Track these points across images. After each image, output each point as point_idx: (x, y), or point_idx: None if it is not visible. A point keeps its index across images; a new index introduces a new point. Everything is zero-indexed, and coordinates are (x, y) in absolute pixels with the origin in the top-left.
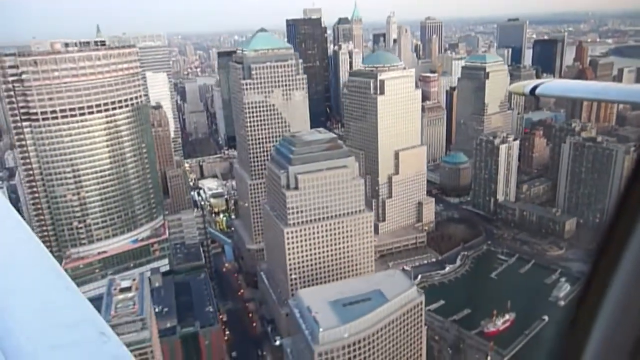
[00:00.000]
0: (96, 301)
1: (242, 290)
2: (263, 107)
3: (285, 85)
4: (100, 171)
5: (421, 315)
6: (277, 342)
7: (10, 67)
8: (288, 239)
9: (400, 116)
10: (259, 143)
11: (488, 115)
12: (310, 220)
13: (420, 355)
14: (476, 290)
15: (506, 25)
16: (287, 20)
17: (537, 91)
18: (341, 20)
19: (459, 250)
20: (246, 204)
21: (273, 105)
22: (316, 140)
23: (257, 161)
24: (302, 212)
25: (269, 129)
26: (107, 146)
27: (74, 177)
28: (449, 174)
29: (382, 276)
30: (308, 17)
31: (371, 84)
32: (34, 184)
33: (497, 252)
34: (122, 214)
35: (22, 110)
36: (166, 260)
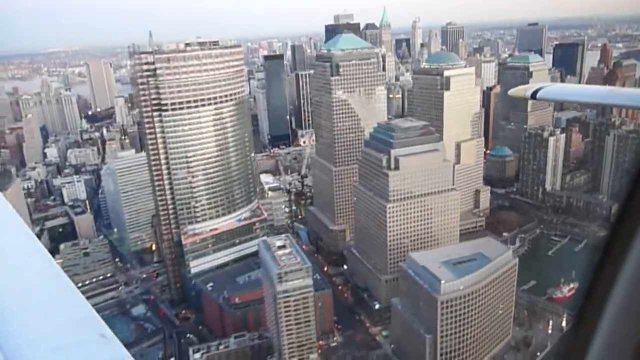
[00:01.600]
0: (250, 258)
1: (325, 267)
2: (349, 101)
3: (368, 81)
4: (209, 158)
5: (514, 276)
6: (377, 306)
7: (146, 63)
8: (389, 213)
9: (462, 110)
10: (345, 134)
11: (530, 112)
12: (408, 197)
13: (511, 311)
14: (537, 265)
15: (526, 29)
16: (327, 26)
17: (539, 95)
18: (369, 26)
19: (516, 233)
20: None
21: (358, 99)
22: (412, 127)
23: (342, 150)
24: (401, 190)
25: (353, 120)
26: (215, 136)
27: (190, 162)
28: (495, 166)
29: (479, 242)
30: (346, 22)
31: (438, 81)
32: (159, 167)
33: (550, 234)
34: (226, 196)
35: (154, 102)
36: (265, 238)
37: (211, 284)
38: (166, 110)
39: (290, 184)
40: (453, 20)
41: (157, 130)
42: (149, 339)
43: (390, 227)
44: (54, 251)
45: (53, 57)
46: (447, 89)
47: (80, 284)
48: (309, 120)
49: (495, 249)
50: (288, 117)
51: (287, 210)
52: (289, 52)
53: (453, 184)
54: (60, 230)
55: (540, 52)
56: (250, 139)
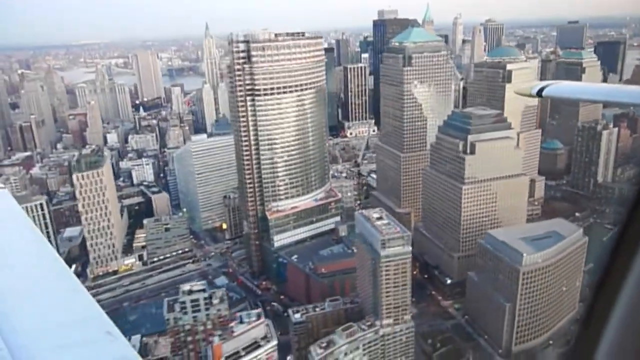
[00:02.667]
0: (326, 235)
1: None
2: (420, 90)
3: (438, 72)
4: (290, 141)
5: (584, 253)
6: (449, 281)
7: (242, 51)
8: (464, 195)
9: (521, 103)
10: (413, 122)
11: (582, 106)
12: (482, 181)
13: (580, 284)
14: (594, 249)
15: (566, 27)
16: (375, 21)
17: (544, 93)
18: (411, 22)
19: (571, 221)
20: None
21: (427, 89)
22: (486, 115)
23: (410, 138)
24: (476, 173)
25: (420, 110)
26: (296, 120)
27: (274, 144)
28: (546, 159)
29: (551, 222)
30: (393, 18)
31: (500, 74)
32: (248, 148)
33: (604, 222)
34: (305, 177)
35: (247, 87)
36: (338, 217)
37: (296, 256)
38: (259, 95)
39: (341, 172)
40: (492, 18)
41: (250, 113)
42: (235, 306)
43: (464, 208)
44: (135, 226)
45: (87, 48)
46: (509, 81)
47: (162, 257)
48: (355, 112)
49: (568, 228)
50: (336, 109)
51: (355, 193)
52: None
53: (521, 170)
54: (137, 208)
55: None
56: (326, 125)
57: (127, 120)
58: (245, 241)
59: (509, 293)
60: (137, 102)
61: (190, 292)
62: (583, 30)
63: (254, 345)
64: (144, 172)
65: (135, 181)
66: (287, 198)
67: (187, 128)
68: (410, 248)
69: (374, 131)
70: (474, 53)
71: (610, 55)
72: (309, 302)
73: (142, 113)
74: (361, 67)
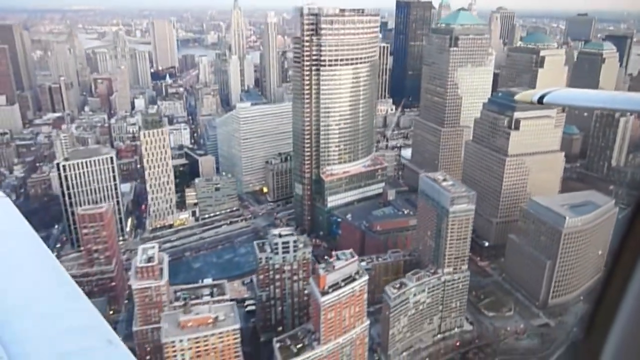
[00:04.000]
0: (374, 198)
1: None
2: (463, 71)
3: (480, 53)
4: (344, 110)
5: (614, 221)
6: (487, 244)
7: (311, 24)
8: (507, 167)
9: (552, 86)
10: (454, 99)
11: None
12: (524, 154)
13: (605, 252)
14: None
15: (575, 19)
16: (398, 2)
17: (545, 99)
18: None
19: None
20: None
21: (470, 68)
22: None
23: (451, 114)
24: (518, 147)
25: (464, 88)
26: (350, 92)
27: (332, 113)
28: (563, 142)
29: (585, 193)
30: (418, 0)
31: (533, 59)
32: (308, 115)
33: (618, 202)
34: (355, 145)
35: (314, 58)
36: (383, 184)
37: (349, 215)
38: (323, 66)
39: None
40: (503, 6)
41: (314, 83)
42: None
43: (506, 178)
44: (181, 185)
45: (82, 14)
46: (542, 66)
47: (212, 214)
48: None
49: (602, 199)
50: None
51: (394, 163)
52: None
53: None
54: (181, 169)
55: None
56: (376, 97)
57: (146, 87)
58: (297, 202)
59: (549, 252)
60: (152, 70)
61: (280, 235)
62: (592, 23)
63: (350, 279)
64: (182, 136)
65: (172, 145)
66: (340, 163)
67: (218, 97)
68: (474, 206)
69: (391, 110)
70: (491, 41)
71: (618, 49)
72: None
73: (169, 80)
74: (383, 47)
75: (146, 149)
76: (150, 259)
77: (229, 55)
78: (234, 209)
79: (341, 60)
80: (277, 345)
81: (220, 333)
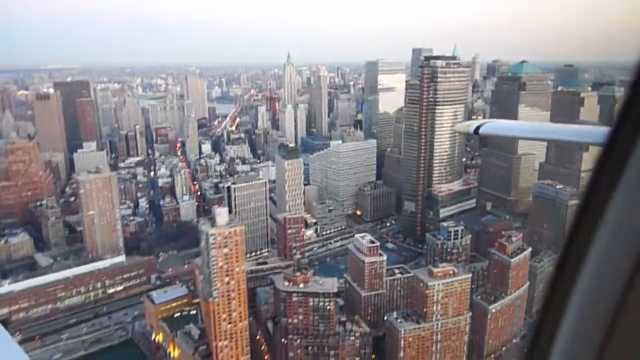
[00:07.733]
0: (469, 212)
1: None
2: (530, 110)
3: (543, 95)
4: (445, 141)
5: None
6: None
7: (428, 73)
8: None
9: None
10: None
11: None
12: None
13: None
14: None
15: (562, 69)
16: (426, 57)
17: (481, 131)
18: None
19: None
20: None
21: (535, 109)
22: None
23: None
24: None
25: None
26: (450, 127)
27: (439, 143)
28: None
29: None
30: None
31: (575, 100)
32: (425, 144)
33: None
34: (452, 169)
35: (429, 99)
36: (474, 200)
37: (462, 222)
38: (438, 106)
39: None
40: (499, 58)
41: (429, 119)
42: (412, 260)
43: None
44: None
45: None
46: (582, 105)
47: (328, 232)
48: None
49: None
50: None
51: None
52: None
53: None
54: None
55: None
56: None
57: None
58: (407, 216)
59: None
60: None
61: (449, 226)
62: (577, 72)
63: (520, 250)
64: (269, 172)
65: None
66: (445, 182)
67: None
68: None
69: None
70: None
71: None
72: None
73: (229, 127)
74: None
75: (289, 177)
76: (372, 241)
77: (283, 105)
78: (343, 227)
79: (447, 101)
80: (478, 297)
81: (460, 280)
